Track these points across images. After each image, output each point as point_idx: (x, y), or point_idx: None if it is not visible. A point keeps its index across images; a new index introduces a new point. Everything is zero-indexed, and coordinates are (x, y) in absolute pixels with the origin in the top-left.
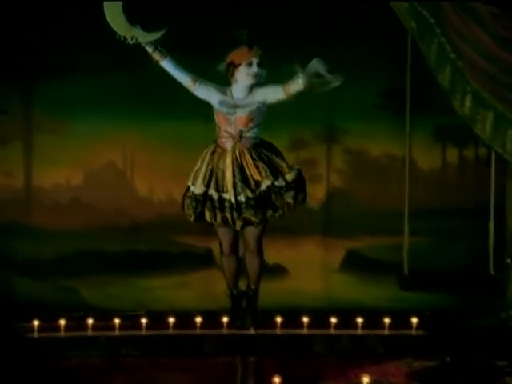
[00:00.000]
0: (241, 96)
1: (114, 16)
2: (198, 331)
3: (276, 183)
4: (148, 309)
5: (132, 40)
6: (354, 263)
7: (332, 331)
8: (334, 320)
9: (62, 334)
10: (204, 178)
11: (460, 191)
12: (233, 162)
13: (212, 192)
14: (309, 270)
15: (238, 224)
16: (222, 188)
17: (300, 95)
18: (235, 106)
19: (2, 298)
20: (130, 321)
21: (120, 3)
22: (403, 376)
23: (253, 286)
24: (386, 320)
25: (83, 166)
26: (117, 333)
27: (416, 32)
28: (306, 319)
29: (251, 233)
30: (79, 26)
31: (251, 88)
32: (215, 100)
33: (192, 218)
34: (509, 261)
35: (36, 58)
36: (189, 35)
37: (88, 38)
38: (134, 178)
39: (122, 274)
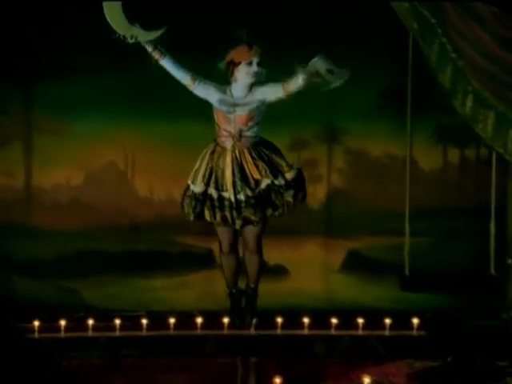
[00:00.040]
0: (240, 95)
1: (114, 15)
2: (198, 332)
3: (276, 182)
4: (148, 309)
5: (131, 39)
6: (355, 263)
7: (333, 332)
8: (334, 320)
9: (63, 334)
10: (204, 177)
11: (461, 191)
12: (232, 161)
13: (212, 191)
14: (309, 270)
15: (238, 223)
16: (222, 187)
17: (301, 95)
18: (235, 105)
19: (2, 298)
20: (131, 321)
21: (119, 2)
22: (404, 377)
23: (252, 285)
24: (387, 320)
25: (83, 166)
26: (117, 333)
27: (417, 32)
28: (306, 320)
29: (251, 232)
30: (79, 26)
31: (251, 87)
32: (215, 98)
33: (191, 217)
34: (510, 261)
35: (36, 58)
36: (188, 35)
37: (88, 37)
38: (134, 178)
39: (122, 274)
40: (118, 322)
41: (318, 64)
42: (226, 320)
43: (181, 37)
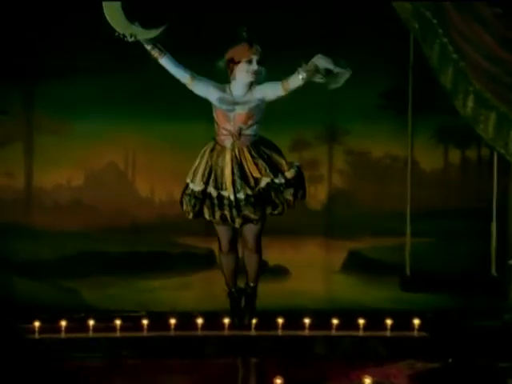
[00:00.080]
0: (240, 93)
1: (113, 13)
2: (199, 332)
3: (276, 180)
4: (149, 310)
5: (131, 37)
6: (356, 264)
7: (333, 332)
8: (335, 321)
9: (63, 335)
10: (203, 176)
11: (462, 192)
12: (232, 160)
13: (211, 189)
14: (310, 270)
15: (238, 221)
16: (221, 185)
17: (302, 96)
18: (234, 103)
19: (2, 298)
20: (131, 322)
21: (119, 1)
22: (405, 377)
23: (251, 284)
24: (388, 321)
25: (84, 166)
26: (118, 334)
27: (418, 32)
28: (307, 320)
29: (250, 230)
30: (80, 27)
31: (250, 85)
32: (214, 97)
33: (190, 216)
34: (511, 262)
35: (37, 59)
36: (188, 34)
37: (89, 38)
38: (134, 178)
39: (122, 274)
40: (118, 322)
41: (319, 62)
42: (226, 321)
43: (180, 36)
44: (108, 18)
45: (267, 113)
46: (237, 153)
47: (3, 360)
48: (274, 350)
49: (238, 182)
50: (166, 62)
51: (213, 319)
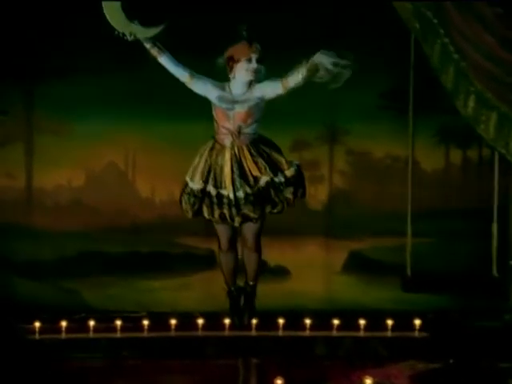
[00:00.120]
0: (239, 92)
1: (113, 12)
2: (199, 333)
3: (275, 179)
4: (149, 310)
5: (130, 36)
6: (357, 265)
7: (334, 333)
8: (336, 322)
9: (64, 335)
10: (202, 174)
11: (463, 192)
12: (231, 158)
13: (210, 188)
14: (311, 271)
15: (237, 220)
16: (221, 184)
17: (302, 96)
18: (234, 102)
19: (2, 299)
20: (132, 322)
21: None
22: (406, 378)
23: (251, 283)
24: (389, 322)
25: (84, 167)
26: (118, 335)
27: (419, 32)
28: (308, 321)
29: (250, 229)
30: (80, 27)
31: (250, 84)
32: (214, 95)
33: (189, 215)
34: None
35: (37, 59)
36: (188, 33)
37: (89, 38)
38: (135, 179)
39: (123, 275)
40: (118, 323)
41: (321, 59)
42: (227, 321)
43: (180, 35)
44: (108, 16)
45: (268, 113)
46: (236, 151)
47: (3, 360)
48: (275, 351)
49: (238, 180)
50: (165, 61)
51: (213, 320)
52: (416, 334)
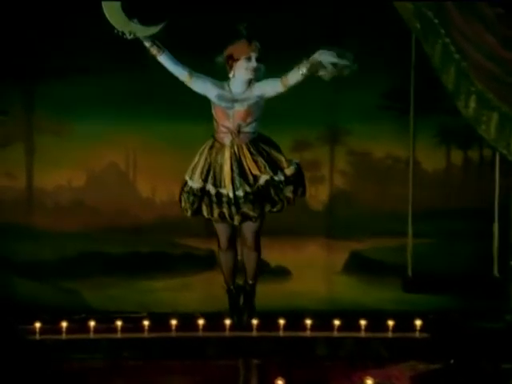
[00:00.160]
0: (239, 90)
1: (112, 11)
2: (200, 333)
3: (275, 178)
4: (150, 311)
5: (130, 35)
6: (358, 265)
7: (335, 334)
8: (337, 322)
9: (64, 336)
10: (202, 173)
11: (464, 193)
12: (231, 157)
13: (210, 187)
14: (312, 271)
15: (236, 219)
16: (220, 183)
17: (303, 96)
18: (233, 101)
19: (3, 299)
20: (132, 323)
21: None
22: (407, 379)
23: (250, 282)
24: (390, 322)
25: (85, 167)
26: (119, 335)
27: (420, 32)
28: (308, 321)
29: (249, 228)
30: (80, 27)
31: (249, 82)
32: (213, 94)
33: (189, 213)
34: None
35: (37, 59)
36: (187, 32)
37: (89, 38)
38: (135, 179)
39: (123, 275)
40: (119, 323)
41: (322, 57)
42: (227, 322)
43: (179, 33)
44: (107, 15)
45: (269, 113)
46: (236, 150)
47: (4, 361)
48: (276, 351)
49: (237, 179)
50: (164, 60)
51: (214, 320)
52: (417, 334)
